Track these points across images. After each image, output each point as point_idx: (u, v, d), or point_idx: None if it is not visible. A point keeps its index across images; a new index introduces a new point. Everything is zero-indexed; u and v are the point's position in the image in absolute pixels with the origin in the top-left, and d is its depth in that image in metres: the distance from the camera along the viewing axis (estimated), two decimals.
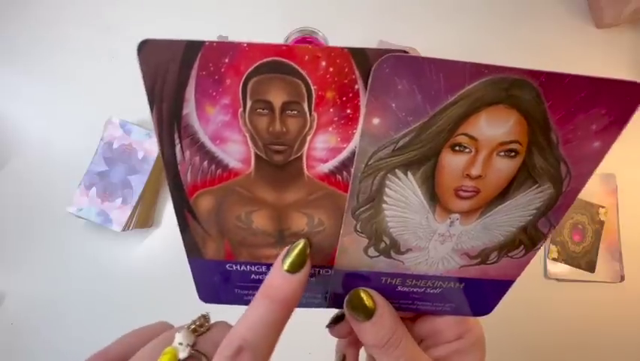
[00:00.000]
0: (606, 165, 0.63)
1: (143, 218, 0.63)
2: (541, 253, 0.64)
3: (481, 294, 0.24)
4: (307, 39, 0.59)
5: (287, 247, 0.21)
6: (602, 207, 0.65)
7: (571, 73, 0.15)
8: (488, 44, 0.68)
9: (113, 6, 0.70)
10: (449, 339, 0.25)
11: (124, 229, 0.60)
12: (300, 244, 0.21)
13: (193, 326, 0.21)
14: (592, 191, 0.65)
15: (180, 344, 0.20)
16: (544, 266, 0.64)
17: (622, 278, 0.63)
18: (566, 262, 0.63)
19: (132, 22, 0.69)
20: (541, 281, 0.63)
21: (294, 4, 0.69)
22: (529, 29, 0.69)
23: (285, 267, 0.20)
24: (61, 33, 0.69)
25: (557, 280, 0.63)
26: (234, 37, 0.67)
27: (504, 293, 0.24)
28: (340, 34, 0.61)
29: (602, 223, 0.64)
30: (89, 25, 0.70)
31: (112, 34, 0.69)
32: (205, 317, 0.22)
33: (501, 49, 0.69)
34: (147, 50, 0.17)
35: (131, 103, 0.62)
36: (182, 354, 0.19)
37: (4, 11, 0.70)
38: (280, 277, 0.20)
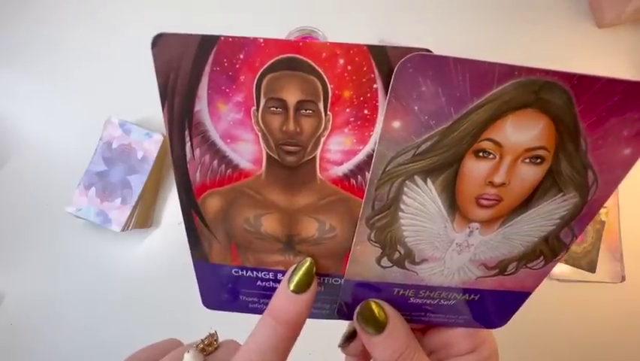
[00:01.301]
0: None
1: (143, 218, 0.62)
2: None
3: (497, 306, 0.23)
4: (307, 39, 0.58)
5: (293, 266, 0.21)
6: (603, 207, 0.64)
7: (604, 76, 0.14)
8: (488, 44, 0.67)
9: (113, 6, 0.69)
10: (461, 352, 0.24)
11: (123, 229, 0.59)
12: (307, 263, 0.21)
13: (201, 345, 0.21)
14: None
15: None
16: None
17: (623, 279, 0.62)
18: (567, 263, 0.62)
19: (131, 22, 0.68)
20: (542, 282, 0.63)
21: (294, 4, 0.68)
22: (530, 29, 0.68)
23: (291, 287, 0.20)
24: (60, 32, 0.68)
25: (558, 280, 0.63)
26: None
27: (520, 305, 0.23)
28: (340, 34, 0.60)
29: (602, 224, 0.64)
30: (88, 25, 0.68)
31: (111, 33, 0.68)
32: (213, 336, 0.22)
33: (501, 48, 0.68)
34: (162, 44, 0.16)
35: (131, 103, 0.61)
36: None
37: (3, 10, 0.69)
38: (285, 298, 0.20)
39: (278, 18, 0.67)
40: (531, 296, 0.66)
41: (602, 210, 0.64)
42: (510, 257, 0.21)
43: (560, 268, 0.62)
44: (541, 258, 0.21)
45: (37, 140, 0.66)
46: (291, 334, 0.20)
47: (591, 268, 0.62)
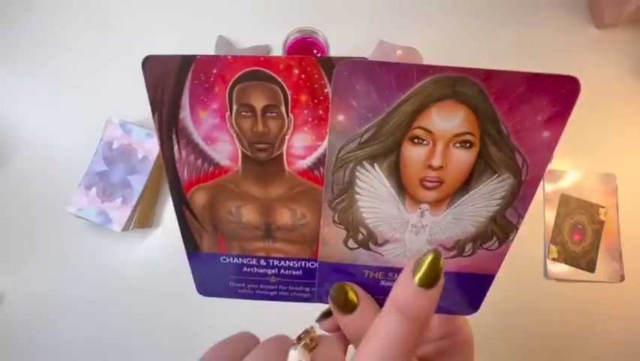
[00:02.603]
0: (606, 165, 0.65)
1: (143, 218, 0.63)
2: (541, 253, 0.64)
3: (464, 289, 0.24)
4: (307, 39, 0.60)
5: (417, 257, 0.19)
6: (602, 207, 0.65)
7: (507, 70, 0.18)
8: (488, 44, 0.69)
9: (113, 7, 0.71)
10: (434, 338, 0.25)
11: (124, 229, 0.60)
12: (431, 255, 0.19)
13: (304, 342, 0.21)
14: (592, 191, 0.66)
15: None
16: (545, 266, 0.64)
17: (622, 278, 0.63)
18: (566, 262, 0.63)
19: (132, 23, 0.70)
20: (542, 281, 0.63)
21: (294, 4, 0.70)
22: (529, 29, 0.69)
23: (417, 281, 0.18)
24: (62, 34, 0.70)
25: (557, 280, 0.63)
26: (235, 37, 0.69)
27: (487, 289, 0.24)
28: (340, 34, 0.61)
29: (602, 223, 0.65)
30: (90, 26, 0.71)
31: (112, 34, 0.70)
32: (309, 332, 0.21)
33: (501, 48, 0.69)
34: (150, 64, 0.20)
35: (131, 103, 0.60)
36: None
37: (6, 12, 0.71)
38: (413, 293, 0.18)
39: (278, 18, 0.69)
40: (531, 296, 0.67)
41: (602, 210, 0.65)
42: (464, 238, 0.23)
43: (559, 268, 0.63)
44: (495, 238, 0.23)
45: (39, 140, 0.68)
46: (420, 331, 0.19)
47: (590, 267, 0.63)
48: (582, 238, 0.64)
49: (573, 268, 0.63)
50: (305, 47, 0.61)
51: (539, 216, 0.66)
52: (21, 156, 0.68)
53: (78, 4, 0.72)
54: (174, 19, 0.71)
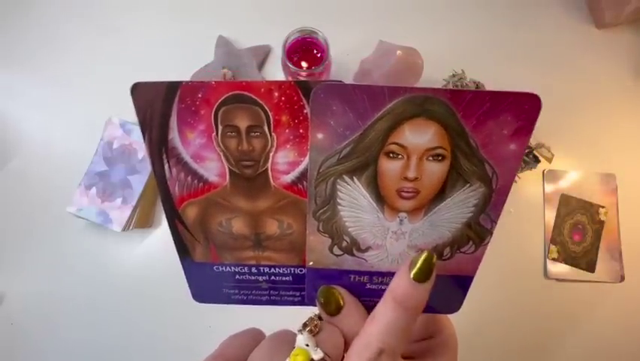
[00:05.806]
0: (606, 165, 0.66)
1: (143, 218, 0.64)
2: (541, 253, 0.65)
3: (445, 290, 0.26)
4: (307, 39, 0.61)
5: (412, 256, 0.22)
6: (602, 207, 0.67)
7: (469, 90, 0.19)
8: (488, 44, 0.70)
9: (114, 7, 0.72)
10: (417, 338, 0.27)
11: (124, 229, 0.61)
12: (425, 253, 0.22)
13: (309, 328, 0.23)
14: (592, 191, 0.67)
15: (307, 345, 0.21)
16: (544, 266, 0.65)
17: (622, 278, 0.64)
18: (566, 262, 0.64)
19: (132, 24, 0.72)
20: (541, 281, 0.64)
21: (294, 4, 0.71)
22: (529, 29, 0.70)
23: (413, 276, 0.22)
24: (61, 34, 0.72)
25: (557, 280, 0.64)
26: (235, 37, 0.70)
27: (467, 289, 0.26)
28: (340, 35, 0.62)
29: (602, 223, 0.66)
30: (90, 26, 0.72)
31: (112, 34, 0.71)
32: (313, 319, 0.24)
33: (501, 49, 0.70)
34: (138, 90, 0.22)
35: (131, 103, 0.63)
36: (317, 355, 0.21)
37: (6, 12, 0.73)
38: (409, 285, 0.21)
39: (278, 18, 0.70)
40: (531, 296, 0.68)
41: (601, 210, 0.66)
42: (442, 243, 0.25)
43: (559, 268, 0.65)
44: (471, 243, 0.25)
45: (39, 140, 0.69)
46: (414, 320, 0.22)
47: (590, 267, 0.64)
48: (582, 238, 0.66)
49: (573, 268, 0.64)
50: (305, 47, 0.62)
51: (539, 216, 0.67)
52: (21, 157, 0.69)
53: (79, 4, 0.73)
54: (174, 19, 0.72)
